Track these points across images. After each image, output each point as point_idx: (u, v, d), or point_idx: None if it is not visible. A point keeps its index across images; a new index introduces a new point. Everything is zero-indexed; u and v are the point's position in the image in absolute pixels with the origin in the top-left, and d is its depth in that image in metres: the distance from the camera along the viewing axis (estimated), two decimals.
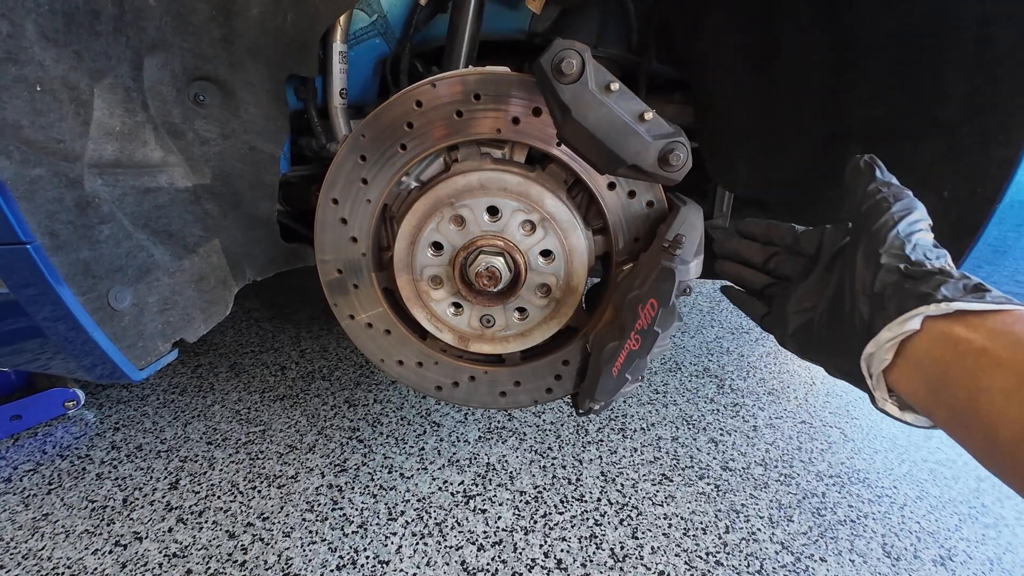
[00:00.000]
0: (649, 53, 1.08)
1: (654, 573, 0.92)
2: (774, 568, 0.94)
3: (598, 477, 1.13)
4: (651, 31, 1.07)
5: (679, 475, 1.14)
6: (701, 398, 1.41)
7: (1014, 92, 0.63)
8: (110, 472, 1.08)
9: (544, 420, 1.29)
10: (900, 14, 0.74)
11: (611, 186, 0.74)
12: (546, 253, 0.76)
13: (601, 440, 1.23)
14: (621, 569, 0.93)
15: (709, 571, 0.93)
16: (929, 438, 1.31)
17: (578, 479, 1.12)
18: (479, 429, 1.24)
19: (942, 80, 0.71)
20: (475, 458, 1.15)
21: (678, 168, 0.66)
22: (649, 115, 0.65)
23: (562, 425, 1.27)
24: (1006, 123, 0.65)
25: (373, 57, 1.11)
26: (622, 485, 1.11)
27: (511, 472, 1.12)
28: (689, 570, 0.93)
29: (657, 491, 1.10)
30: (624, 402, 1.37)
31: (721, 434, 1.28)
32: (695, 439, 1.26)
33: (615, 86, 0.64)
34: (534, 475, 1.12)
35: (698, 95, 1.08)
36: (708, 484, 1.12)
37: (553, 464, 1.15)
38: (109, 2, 0.73)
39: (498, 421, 1.27)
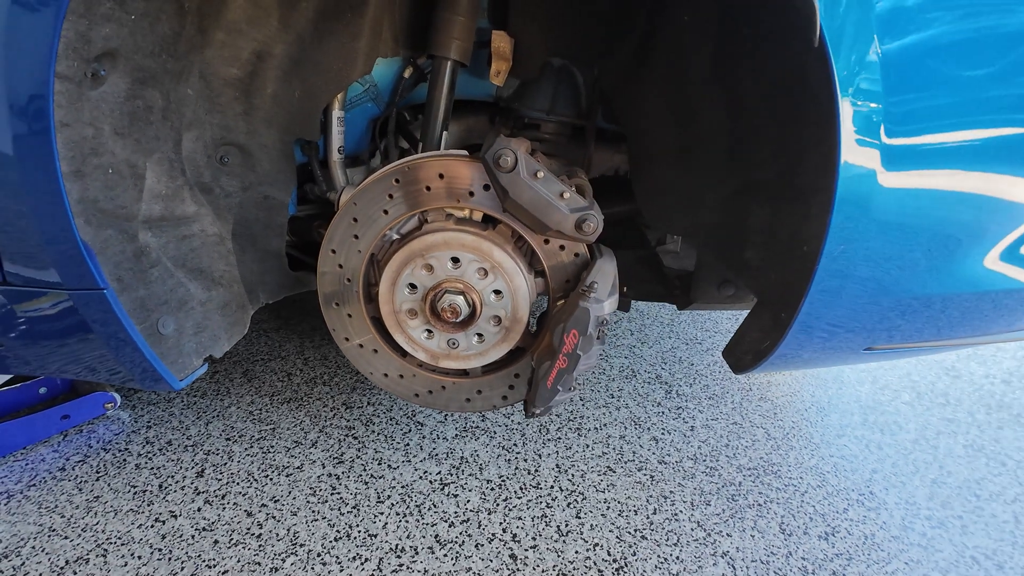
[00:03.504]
0: (595, 115, 1.30)
1: (590, 544, 1.15)
2: (688, 542, 1.16)
3: (553, 468, 1.35)
4: (596, 97, 1.29)
5: (621, 467, 1.36)
6: (650, 402, 1.64)
7: (829, 171, 0.82)
8: (146, 463, 1.30)
9: (512, 421, 1.51)
10: (777, 101, 0.95)
11: (546, 241, 0.96)
12: (497, 292, 0.98)
13: (559, 438, 1.45)
14: (564, 541, 1.15)
15: (635, 543, 1.16)
16: (840, 435, 1.54)
17: (536, 470, 1.34)
18: (456, 428, 1.46)
19: (802, 157, 0.91)
20: (451, 452, 1.37)
21: (590, 233, 0.88)
22: (567, 194, 0.87)
23: (527, 425, 1.49)
24: (828, 194, 0.85)
25: (366, 118, 1.33)
26: (573, 475, 1.33)
27: (481, 464, 1.34)
28: (619, 542, 1.15)
29: (601, 480, 1.32)
30: (583, 404, 1.59)
31: (662, 433, 1.50)
32: (639, 437, 1.48)
33: (541, 174, 0.86)
34: (500, 467, 1.34)
35: (631, 149, 1.30)
36: (644, 475, 1.34)
37: (517, 458, 1.37)
38: (160, 98, 0.95)
39: (473, 421, 1.49)
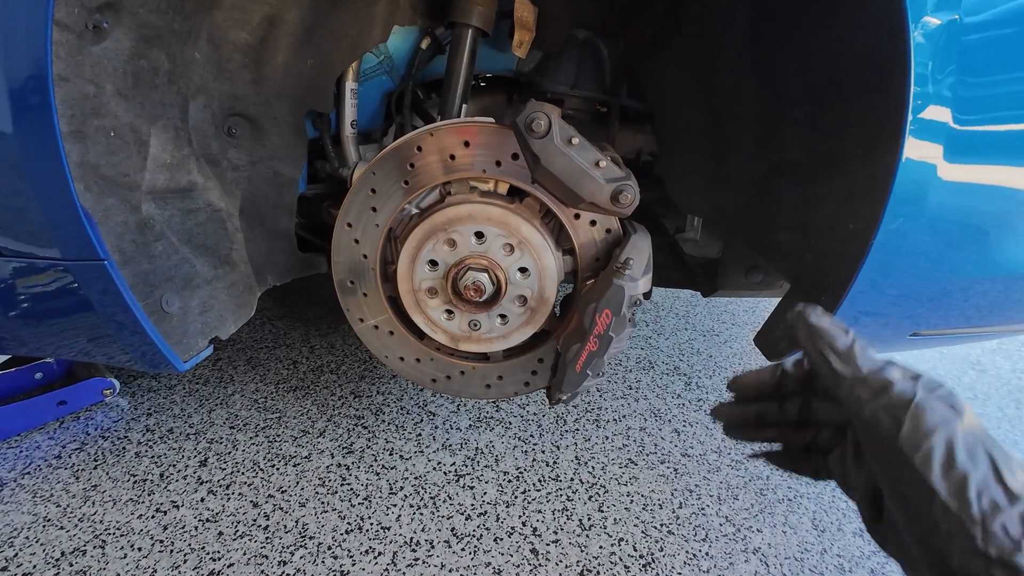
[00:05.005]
0: (620, 91, 1.24)
1: (614, 539, 1.09)
2: (716, 537, 1.11)
3: (573, 460, 1.29)
4: (621, 73, 1.23)
5: (643, 460, 1.31)
6: (669, 394, 1.58)
7: (889, 151, 0.78)
8: (147, 451, 1.24)
9: (528, 411, 1.45)
10: (810, 73, 0.89)
11: (576, 216, 0.90)
12: (523, 270, 0.92)
13: (577, 429, 1.40)
14: (587, 536, 1.09)
15: (662, 538, 1.10)
16: None
17: (555, 462, 1.28)
18: (470, 418, 1.40)
19: (844, 133, 0.86)
20: (465, 443, 1.32)
21: (627, 205, 0.82)
22: (603, 163, 0.81)
23: (544, 416, 1.43)
24: (887, 172, 0.80)
25: (380, 92, 1.27)
26: (593, 468, 1.27)
27: (496, 455, 1.29)
28: (645, 537, 1.10)
29: (623, 473, 1.26)
30: (600, 396, 1.54)
31: (684, 425, 1.44)
32: (660, 429, 1.42)
33: (576, 140, 0.80)
34: (517, 458, 1.28)
35: (658, 128, 1.24)
36: (668, 468, 1.29)
37: (534, 449, 1.32)
38: (166, 59, 0.89)
39: (487, 411, 1.43)
